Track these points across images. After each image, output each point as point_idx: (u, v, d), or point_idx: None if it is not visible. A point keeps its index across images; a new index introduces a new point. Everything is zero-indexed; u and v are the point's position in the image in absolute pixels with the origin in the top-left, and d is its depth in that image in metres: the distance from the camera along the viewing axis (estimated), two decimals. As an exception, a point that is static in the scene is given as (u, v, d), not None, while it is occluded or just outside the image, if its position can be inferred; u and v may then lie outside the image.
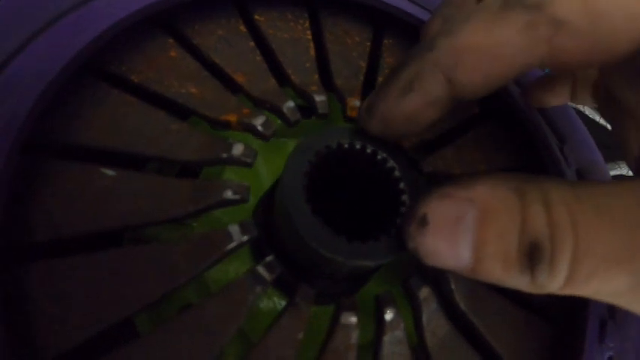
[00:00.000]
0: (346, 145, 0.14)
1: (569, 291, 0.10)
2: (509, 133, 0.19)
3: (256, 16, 0.19)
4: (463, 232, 0.10)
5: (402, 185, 0.14)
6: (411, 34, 0.20)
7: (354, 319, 0.13)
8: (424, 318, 0.14)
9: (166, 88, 0.15)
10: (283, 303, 0.14)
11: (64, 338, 0.11)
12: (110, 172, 0.13)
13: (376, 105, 0.13)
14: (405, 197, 0.14)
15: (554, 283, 0.10)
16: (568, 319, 0.16)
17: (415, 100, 0.12)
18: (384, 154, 0.14)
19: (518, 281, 0.10)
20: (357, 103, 0.17)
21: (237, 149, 0.14)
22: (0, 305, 0.11)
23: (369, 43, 0.20)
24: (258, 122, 0.14)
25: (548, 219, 0.10)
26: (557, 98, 0.19)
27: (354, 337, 0.13)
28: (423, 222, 0.11)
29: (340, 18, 0.20)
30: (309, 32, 0.19)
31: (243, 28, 0.18)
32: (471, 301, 0.15)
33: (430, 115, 0.12)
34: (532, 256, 0.10)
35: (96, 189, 0.13)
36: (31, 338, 0.11)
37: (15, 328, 0.11)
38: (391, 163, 0.14)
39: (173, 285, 0.12)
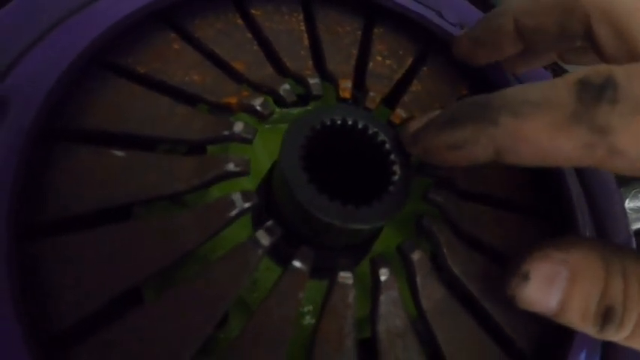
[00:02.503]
0: (339, 121, 0.15)
1: (627, 344, 0.13)
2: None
3: (252, 11, 0.20)
4: (555, 288, 0.13)
5: (392, 157, 0.15)
6: (401, 23, 0.22)
7: (350, 279, 0.14)
8: (418, 280, 0.15)
9: (170, 77, 0.17)
10: (276, 263, 0.15)
11: (75, 309, 0.13)
12: (119, 153, 0.15)
13: (423, 140, 0.14)
14: (395, 167, 0.15)
15: (617, 337, 0.13)
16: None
17: (460, 157, 0.13)
18: (375, 129, 0.16)
19: (589, 330, 0.13)
20: (348, 84, 0.18)
21: (238, 126, 0.15)
22: (16, 280, 0.12)
23: (359, 32, 0.21)
24: (257, 103, 0.16)
25: (624, 289, 0.13)
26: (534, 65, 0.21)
27: (352, 296, 0.14)
28: (526, 278, 0.14)
29: (332, 10, 0.21)
30: (302, 24, 0.20)
31: (240, 21, 0.20)
32: (465, 266, 0.16)
33: (466, 165, 0.14)
34: (606, 315, 0.13)
35: (105, 168, 0.15)
36: (45, 310, 0.13)
37: (30, 302, 0.12)
38: (382, 136, 0.16)
39: (180, 252, 0.13)
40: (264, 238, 0.13)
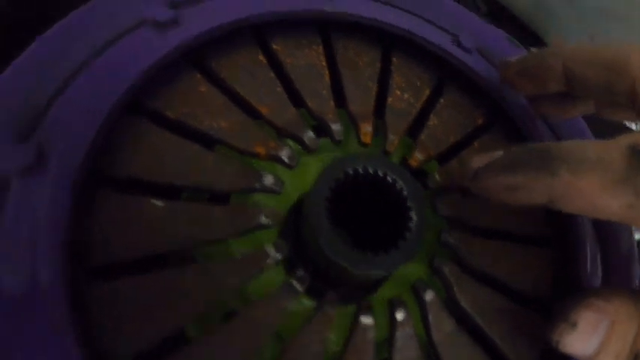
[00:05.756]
0: (361, 170, 0.17)
1: None
2: (511, 143, 0.22)
3: (274, 46, 0.21)
4: (596, 335, 0.15)
5: (409, 203, 0.17)
6: (418, 51, 0.22)
7: (371, 321, 0.16)
8: (430, 317, 0.17)
9: (199, 123, 0.18)
10: (309, 303, 0.17)
11: (122, 351, 0.15)
12: (159, 203, 0.17)
13: (484, 178, 0.16)
14: (411, 214, 0.17)
15: None
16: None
17: (516, 199, 0.15)
18: (394, 176, 0.17)
19: None
20: (368, 129, 0.19)
21: (268, 180, 0.17)
22: (71, 319, 0.14)
23: (378, 64, 0.22)
24: (285, 155, 0.18)
25: None
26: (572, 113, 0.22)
27: (371, 335, 0.16)
28: (574, 326, 0.15)
29: (350, 40, 0.22)
30: (323, 58, 0.21)
31: (262, 58, 0.21)
32: (473, 300, 0.18)
33: (518, 206, 0.15)
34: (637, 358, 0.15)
35: (147, 217, 0.17)
36: (96, 349, 0.15)
37: (84, 340, 0.14)
38: (400, 183, 0.17)
39: (220, 298, 0.16)
40: (297, 287, 0.16)
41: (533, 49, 0.20)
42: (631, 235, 0.23)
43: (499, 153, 0.16)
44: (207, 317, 0.17)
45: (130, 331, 0.15)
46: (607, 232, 0.22)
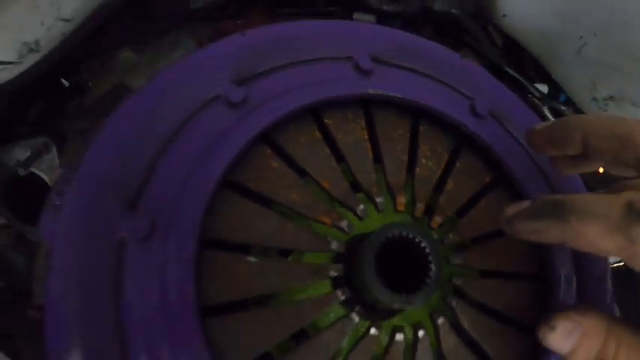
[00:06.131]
0: (397, 234, 0.24)
1: None
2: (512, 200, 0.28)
3: (326, 120, 0.27)
4: (571, 338, 0.21)
5: (429, 258, 0.24)
6: (438, 120, 0.28)
7: (402, 337, 0.24)
8: (441, 334, 0.25)
9: (276, 195, 0.25)
10: (361, 328, 0.25)
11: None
12: (252, 259, 0.24)
13: (514, 224, 0.22)
14: (431, 265, 0.24)
15: None
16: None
17: (537, 238, 0.22)
18: (420, 238, 0.24)
19: None
20: (403, 200, 0.26)
21: (334, 245, 0.24)
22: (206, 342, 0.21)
23: (408, 135, 0.28)
24: (344, 225, 0.24)
25: (615, 353, 0.20)
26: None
27: (401, 347, 0.24)
28: (553, 329, 0.21)
29: (386, 111, 0.28)
30: (365, 132, 0.27)
31: (318, 134, 0.26)
32: (472, 323, 0.25)
33: (539, 243, 0.22)
34: None
35: (244, 270, 0.23)
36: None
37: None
38: (424, 243, 0.24)
39: (297, 328, 0.23)
40: (355, 318, 0.23)
41: (554, 119, 0.26)
42: (606, 260, 0.30)
43: (527, 203, 0.23)
44: (286, 342, 0.25)
45: (239, 350, 0.23)
46: (584, 258, 0.28)
